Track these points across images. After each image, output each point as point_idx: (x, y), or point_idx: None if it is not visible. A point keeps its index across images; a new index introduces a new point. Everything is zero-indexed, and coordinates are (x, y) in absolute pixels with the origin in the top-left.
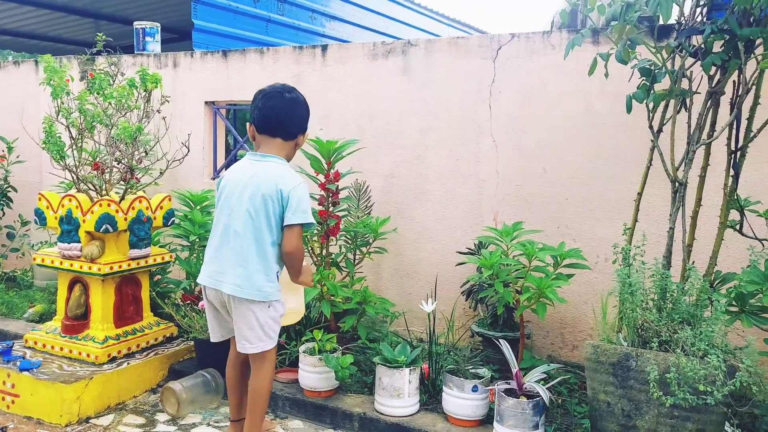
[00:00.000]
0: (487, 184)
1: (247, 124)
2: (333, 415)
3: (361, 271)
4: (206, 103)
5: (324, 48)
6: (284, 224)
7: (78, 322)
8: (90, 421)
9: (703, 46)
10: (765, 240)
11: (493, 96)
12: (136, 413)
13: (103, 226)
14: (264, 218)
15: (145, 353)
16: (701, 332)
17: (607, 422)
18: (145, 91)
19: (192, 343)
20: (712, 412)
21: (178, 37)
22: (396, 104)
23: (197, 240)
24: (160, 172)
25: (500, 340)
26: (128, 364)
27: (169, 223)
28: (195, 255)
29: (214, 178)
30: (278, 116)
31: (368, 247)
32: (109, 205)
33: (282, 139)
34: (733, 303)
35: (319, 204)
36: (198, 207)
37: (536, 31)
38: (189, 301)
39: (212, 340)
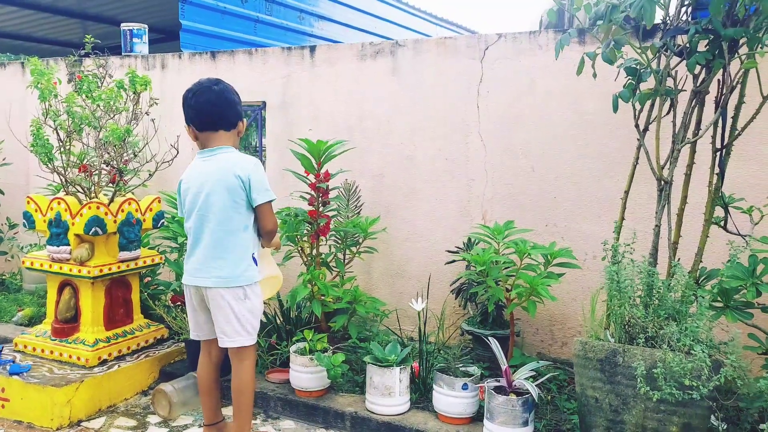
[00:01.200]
0: (476, 183)
1: (185, 127)
2: (325, 415)
3: (352, 270)
4: None
5: (313, 49)
6: (254, 206)
7: (68, 325)
8: (81, 424)
9: (688, 45)
10: (748, 236)
11: (481, 96)
12: (127, 416)
13: (93, 229)
14: (232, 208)
15: (135, 355)
16: (687, 328)
17: (596, 417)
18: (134, 93)
19: (183, 344)
20: (697, 406)
21: (165, 38)
22: (385, 104)
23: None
24: (149, 174)
25: (490, 337)
26: (119, 366)
27: (159, 225)
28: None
29: None
30: (214, 109)
31: (358, 246)
32: (98, 207)
33: (225, 130)
34: (718, 299)
35: (309, 204)
36: None
37: (523, 31)
38: (179, 303)
39: (191, 336)
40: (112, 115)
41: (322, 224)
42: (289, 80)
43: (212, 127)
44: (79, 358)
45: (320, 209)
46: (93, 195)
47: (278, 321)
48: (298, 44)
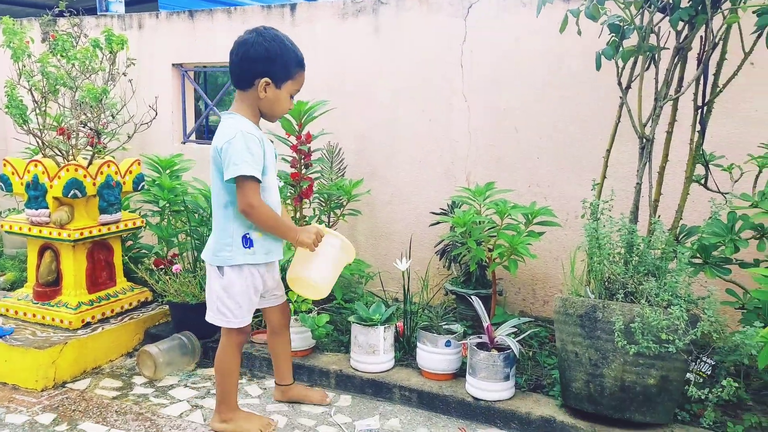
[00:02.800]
0: (459, 144)
1: None
2: (310, 373)
3: None
4: (174, 65)
5: (293, 7)
6: (224, 181)
7: (50, 288)
8: (66, 385)
9: (671, 1)
10: (728, 194)
11: (465, 55)
12: (112, 377)
13: (71, 192)
14: (218, 179)
15: (120, 318)
16: (665, 283)
17: (576, 372)
18: (110, 53)
19: (167, 307)
20: (674, 360)
21: (143, 0)
22: (367, 64)
23: (167, 205)
24: (128, 137)
25: (472, 296)
26: (103, 329)
27: (139, 188)
28: (165, 220)
29: (184, 143)
30: (230, 65)
31: (342, 209)
32: (76, 170)
33: (240, 89)
34: (697, 255)
35: (291, 166)
36: (167, 171)
37: None
38: (162, 266)
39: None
40: (88, 75)
41: (305, 187)
42: None
43: (234, 84)
44: (62, 321)
45: (303, 172)
46: (71, 158)
47: None
48: (278, 3)
